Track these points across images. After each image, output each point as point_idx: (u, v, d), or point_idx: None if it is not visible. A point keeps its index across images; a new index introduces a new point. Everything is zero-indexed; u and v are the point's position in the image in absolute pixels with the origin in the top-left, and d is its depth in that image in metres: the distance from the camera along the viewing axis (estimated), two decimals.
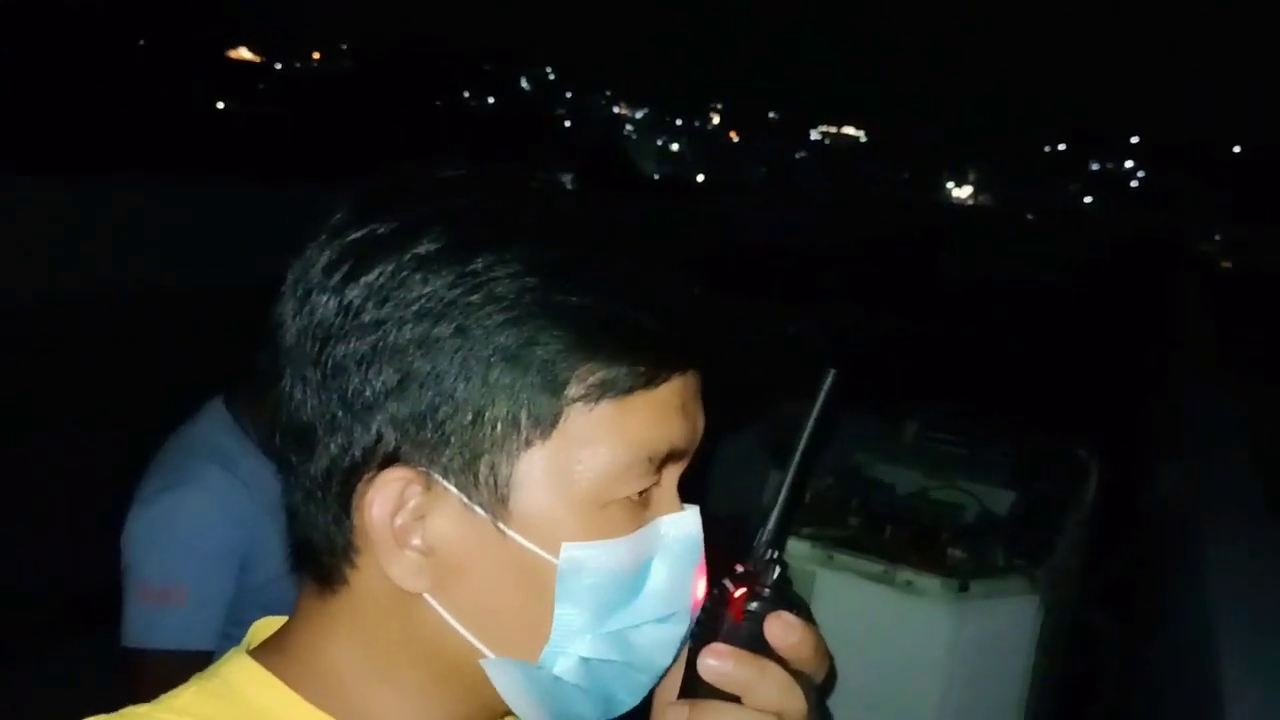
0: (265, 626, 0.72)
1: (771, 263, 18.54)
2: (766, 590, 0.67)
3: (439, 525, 0.60)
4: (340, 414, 0.59)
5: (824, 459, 3.12)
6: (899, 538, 2.67)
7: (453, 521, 0.60)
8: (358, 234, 0.59)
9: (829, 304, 14.66)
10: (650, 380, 0.60)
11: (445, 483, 0.59)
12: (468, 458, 0.58)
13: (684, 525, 0.65)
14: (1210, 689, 2.06)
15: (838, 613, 2.48)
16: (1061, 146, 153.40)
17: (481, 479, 0.59)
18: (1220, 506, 3.52)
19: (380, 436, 0.59)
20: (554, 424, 0.58)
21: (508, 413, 0.58)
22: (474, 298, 0.57)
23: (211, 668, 0.68)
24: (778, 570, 0.68)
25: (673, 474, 0.65)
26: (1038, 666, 2.54)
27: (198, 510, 1.76)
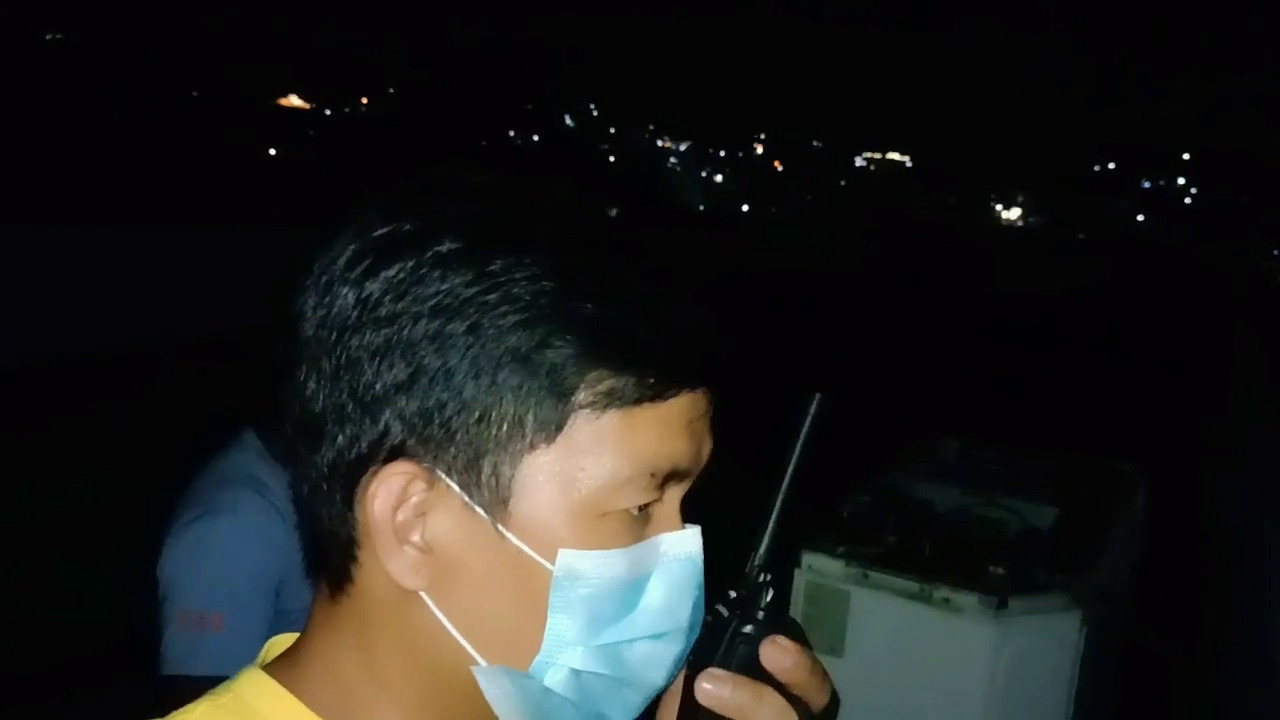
0: (281, 642, 0.72)
1: (812, 287, 18.47)
2: (761, 613, 0.67)
3: (440, 523, 0.60)
4: (350, 406, 0.59)
5: (859, 478, 3.08)
6: (937, 555, 2.62)
7: (453, 520, 0.60)
8: (382, 230, 0.60)
9: (871, 326, 14.59)
10: (657, 394, 0.60)
11: (448, 480, 0.59)
12: (471, 456, 0.58)
13: (684, 544, 0.65)
14: (1276, 711, 1.99)
15: (874, 632, 2.44)
16: (1111, 165, 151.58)
17: (484, 479, 0.59)
18: None
19: (387, 430, 0.59)
20: (559, 429, 0.58)
21: (514, 414, 0.58)
22: (490, 297, 0.57)
23: (225, 684, 0.68)
24: (771, 593, 0.68)
25: (676, 493, 0.65)
26: (1082, 686, 2.47)
27: (233, 537, 1.77)
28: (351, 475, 0.60)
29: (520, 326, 0.57)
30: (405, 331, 0.58)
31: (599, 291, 0.59)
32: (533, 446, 0.59)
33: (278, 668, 0.68)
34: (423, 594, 0.61)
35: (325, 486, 0.61)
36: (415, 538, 0.60)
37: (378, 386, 0.58)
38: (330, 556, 0.64)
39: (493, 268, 0.58)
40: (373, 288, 0.59)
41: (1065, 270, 26.90)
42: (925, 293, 19.77)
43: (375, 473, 0.59)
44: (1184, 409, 8.63)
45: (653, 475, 0.61)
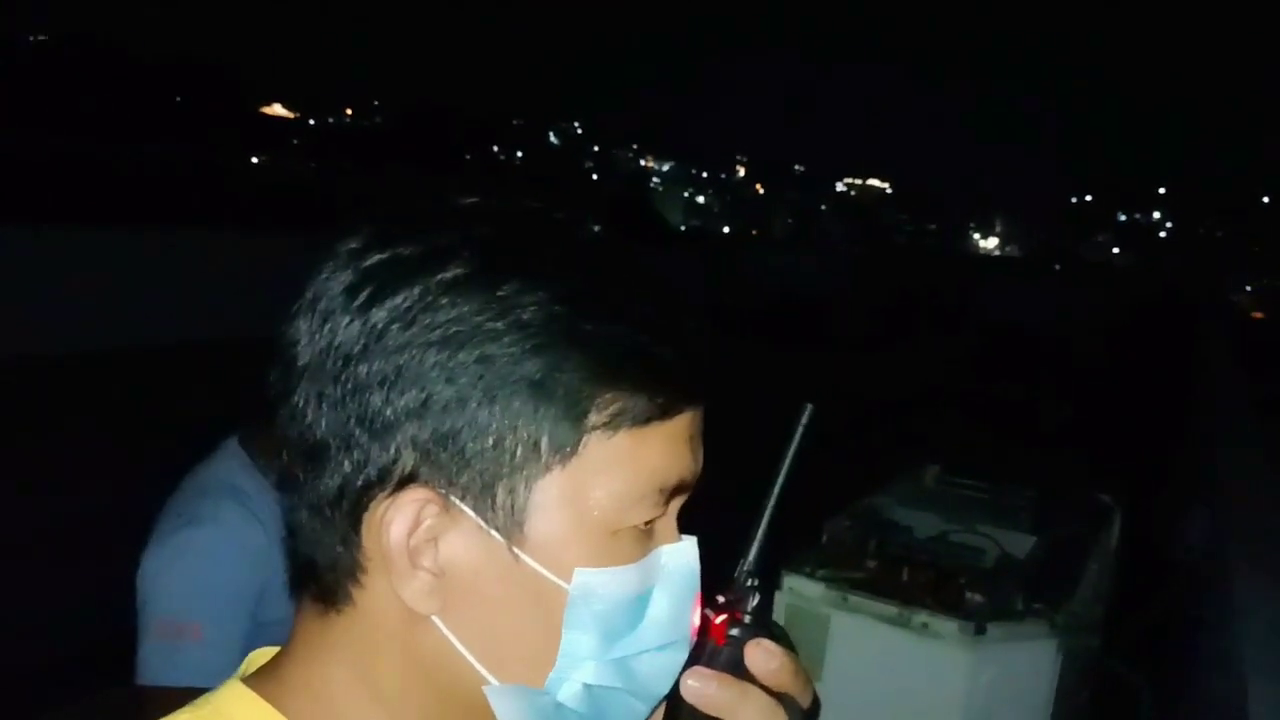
0: (261, 655, 0.72)
1: (794, 310, 18.54)
2: (747, 617, 0.68)
3: (453, 547, 0.60)
4: (358, 432, 0.59)
5: (839, 501, 3.10)
6: (916, 580, 2.64)
7: (467, 544, 0.60)
8: (380, 258, 0.60)
9: (849, 350, 14.66)
10: (666, 412, 0.61)
11: (463, 505, 0.59)
12: (486, 481, 0.59)
13: (683, 555, 0.66)
14: None
15: (853, 655, 2.46)
16: (1089, 198, 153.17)
17: (499, 503, 0.59)
18: (1251, 555, 3.46)
19: (399, 456, 0.59)
20: (574, 451, 0.59)
21: (529, 438, 0.58)
22: (500, 324, 0.58)
23: (204, 696, 0.67)
24: (758, 597, 0.69)
25: (675, 505, 0.66)
26: (1057, 713, 2.49)
27: (214, 547, 1.76)
28: (358, 501, 0.60)
29: (532, 353, 0.58)
30: (416, 360, 0.58)
31: (606, 313, 0.60)
32: (548, 469, 0.59)
33: (259, 681, 0.67)
34: (435, 619, 0.61)
35: (328, 511, 0.61)
36: (428, 562, 0.60)
37: (388, 413, 0.58)
38: (325, 576, 0.63)
39: (501, 293, 0.58)
40: (379, 316, 0.59)
41: (1042, 300, 27.11)
42: (907, 318, 19.87)
43: (386, 498, 0.59)
44: (1157, 439, 8.72)
45: (661, 490, 0.62)
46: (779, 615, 2.50)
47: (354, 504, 0.60)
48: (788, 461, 0.70)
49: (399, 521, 0.59)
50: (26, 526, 5.17)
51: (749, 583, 0.69)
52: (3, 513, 5.29)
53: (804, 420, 0.71)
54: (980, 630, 2.34)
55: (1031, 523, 3.19)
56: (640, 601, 0.63)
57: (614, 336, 0.59)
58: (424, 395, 0.58)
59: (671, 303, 0.64)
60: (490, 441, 0.58)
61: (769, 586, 2.44)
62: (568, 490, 0.59)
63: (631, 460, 0.60)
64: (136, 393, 7.97)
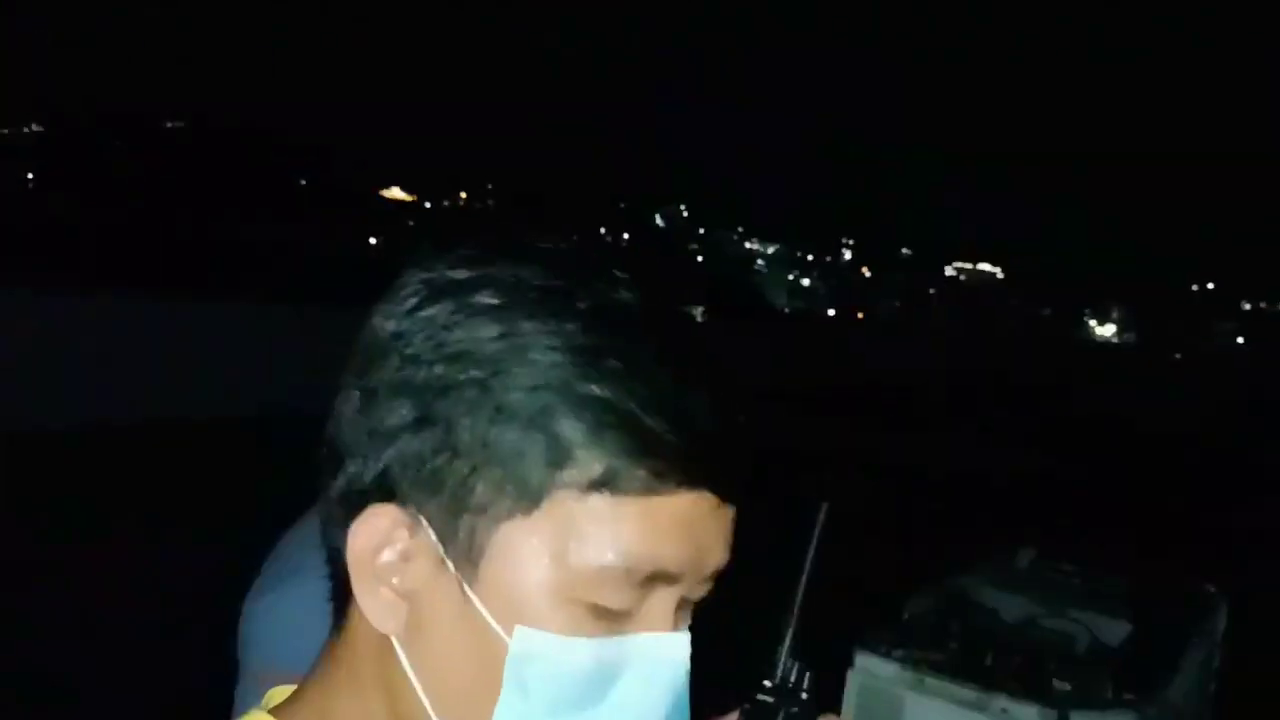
0: (284, 690, 0.73)
1: (893, 394, 18.24)
2: (805, 695, 0.69)
3: (418, 571, 0.59)
4: (364, 439, 0.60)
5: (923, 581, 3.02)
6: (1001, 665, 2.54)
7: (430, 571, 0.59)
8: (436, 274, 0.62)
9: (945, 435, 14.31)
10: (650, 488, 0.58)
11: (429, 529, 0.59)
12: (454, 510, 0.58)
13: (667, 648, 0.62)
14: None
15: None
16: (1210, 285, 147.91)
17: (460, 535, 0.58)
18: None
19: (387, 469, 0.59)
20: (540, 501, 0.57)
21: (501, 476, 0.57)
22: (507, 358, 0.58)
23: None
24: (809, 676, 0.70)
25: (667, 594, 0.61)
26: None
27: (312, 600, 1.80)
28: (351, 509, 0.60)
29: (526, 393, 0.57)
30: (421, 373, 0.58)
31: (613, 375, 0.58)
32: (511, 514, 0.57)
33: (281, 709, 0.68)
34: (394, 639, 0.61)
35: (333, 516, 0.62)
36: (395, 580, 0.59)
37: (389, 423, 0.59)
38: (336, 588, 0.64)
39: (519, 329, 0.58)
40: (407, 324, 0.60)
41: (1159, 389, 26.11)
42: (1010, 407, 19.33)
43: (366, 509, 0.59)
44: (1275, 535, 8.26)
45: (628, 571, 0.58)
46: (850, 694, 2.43)
47: (347, 512, 0.60)
48: (809, 560, 0.72)
49: (364, 535, 0.59)
50: (151, 578, 5.40)
51: (793, 664, 0.69)
52: (132, 566, 5.55)
53: (821, 519, 0.73)
54: (1064, 717, 2.23)
55: (1129, 610, 3.04)
56: (598, 682, 0.60)
57: (613, 399, 0.57)
58: (419, 411, 0.58)
59: (706, 380, 0.61)
60: (465, 471, 0.57)
61: (836, 668, 2.39)
62: (529, 541, 0.57)
63: (601, 531, 0.57)
64: (253, 459, 8.27)
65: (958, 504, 8.94)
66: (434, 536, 0.58)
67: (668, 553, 0.59)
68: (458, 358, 0.58)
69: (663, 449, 0.58)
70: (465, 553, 0.58)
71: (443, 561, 0.58)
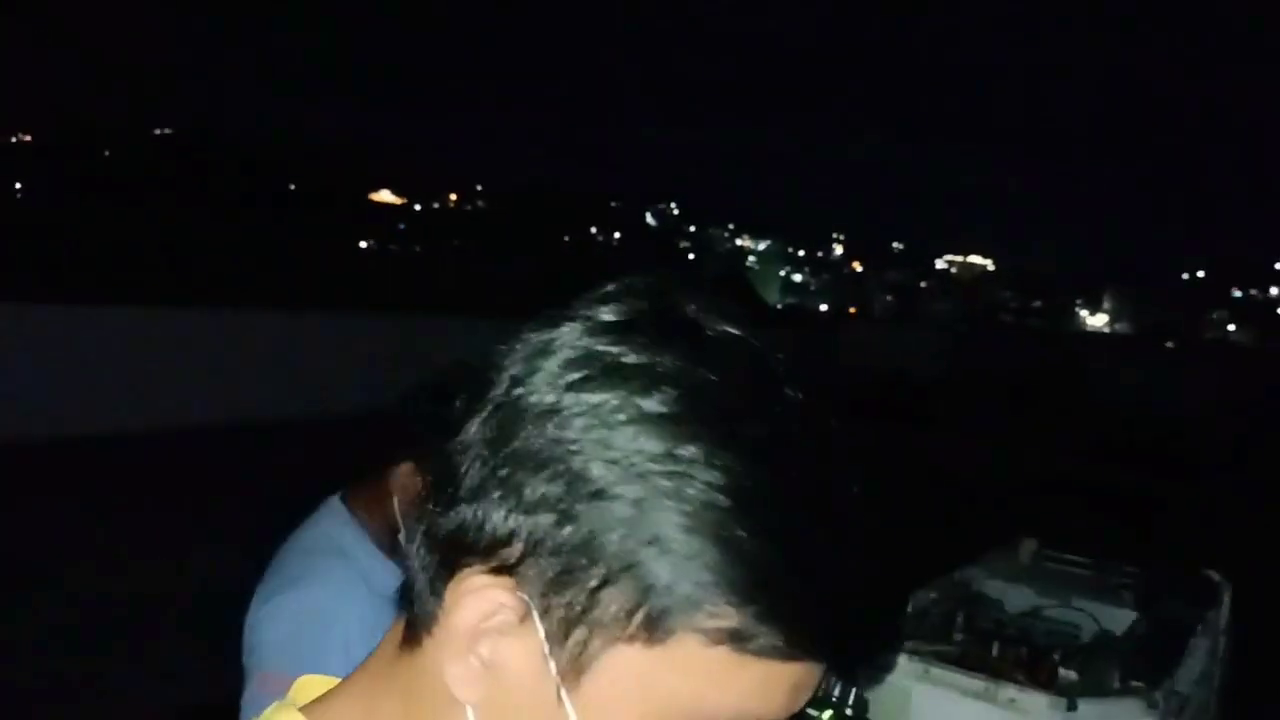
0: (314, 684, 0.73)
1: (892, 390, 18.25)
2: (849, 711, 0.68)
3: (513, 653, 0.58)
4: (494, 494, 0.58)
5: (928, 575, 3.02)
6: (1007, 655, 2.54)
7: (526, 660, 0.58)
8: (606, 347, 0.59)
9: (952, 431, 14.33)
10: (780, 654, 0.57)
11: (539, 624, 0.57)
12: (572, 616, 0.56)
13: None
14: None
15: None
16: (1201, 274, 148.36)
17: (572, 642, 0.57)
18: None
19: (511, 540, 0.57)
20: (665, 638, 0.56)
21: (631, 601, 0.55)
22: (665, 484, 0.55)
23: (260, 717, 0.69)
24: (854, 691, 0.69)
25: None
26: None
27: (321, 605, 1.79)
28: (459, 552, 0.59)
29: (678, 528, 0.55)
30: (576, 465, 0.56)
31: (771, 529, 0.56)
32: (631, 639, 0.56)
33: (313, 707, 0.68)
34: (469, 708, 0.60)
35: (432, 544, 0.60)
36: (484, 650, 0.58)
37: (527, 494, 0.57)
38: (415, 608, 0.63)
39: (683, 452, 0.56)
40: (570, 402, 0.57)
41: (1156, 380, 26.16)
42: (1013, 399, 19.34)
43: (477, 572, 0.58)
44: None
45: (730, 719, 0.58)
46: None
47: (452, 553, 0.59)
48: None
49: (473, 609, 0.57)
50: (157, 590, 5.38)
51: (836, 683, 0.69)
52: (143, 576, 5.54)
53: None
54: (1072, 707, 2.23)
55: (1133, 599, 3.05)
56: None
57: (764, 558, 0.55)
58: (566, 502, 0.56)
59: (857, 550, 0.59)
60: (596, 582, 0.56)
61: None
62: (642, 672, 0.56)
63: (718, 680, 0.56)
64: (248, 465, 8.25)
65: (958, 497, 8.96)
66: (543, 634, 0.57)
67: (773, 710, 0.59)
68: (615, 464, 0.56)
69: (804, 619, 0.57)
70: (573, 659, 0.57)
71: (544, 659, 0.57)
